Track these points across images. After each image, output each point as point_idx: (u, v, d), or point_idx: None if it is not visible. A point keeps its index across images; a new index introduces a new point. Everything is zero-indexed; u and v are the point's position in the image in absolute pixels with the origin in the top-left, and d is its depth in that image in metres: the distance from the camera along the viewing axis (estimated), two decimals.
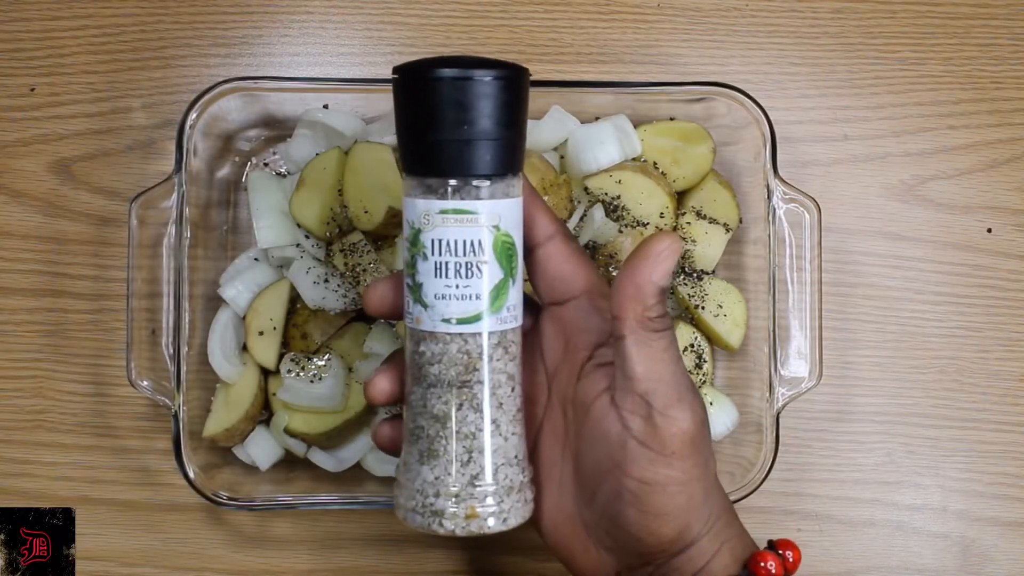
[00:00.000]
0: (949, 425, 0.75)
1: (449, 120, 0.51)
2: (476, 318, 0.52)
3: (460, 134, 0.51)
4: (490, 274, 0.52)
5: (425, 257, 0.52)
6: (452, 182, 0.52)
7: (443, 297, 0.52)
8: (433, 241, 0.52)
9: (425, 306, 0.53)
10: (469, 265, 0.52)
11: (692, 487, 0.52)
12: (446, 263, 0.52)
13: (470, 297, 0.52)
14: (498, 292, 0.53)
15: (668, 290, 0.52)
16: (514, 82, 0.52)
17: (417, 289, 0.53)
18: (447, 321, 0.52)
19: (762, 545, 0.56)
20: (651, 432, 0.51)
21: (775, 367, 0.68)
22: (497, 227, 0.52)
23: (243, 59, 0.75)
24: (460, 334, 0.53)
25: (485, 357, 0.53)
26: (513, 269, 0.53)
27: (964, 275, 0.76)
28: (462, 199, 0.52)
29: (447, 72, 0.51)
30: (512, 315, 0.53)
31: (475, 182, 0.52)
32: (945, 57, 0.77)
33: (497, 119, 0.51)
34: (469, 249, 0.52)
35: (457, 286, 0.52)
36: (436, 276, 0.52)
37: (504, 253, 0.53)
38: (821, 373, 0.68)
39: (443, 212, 0.52)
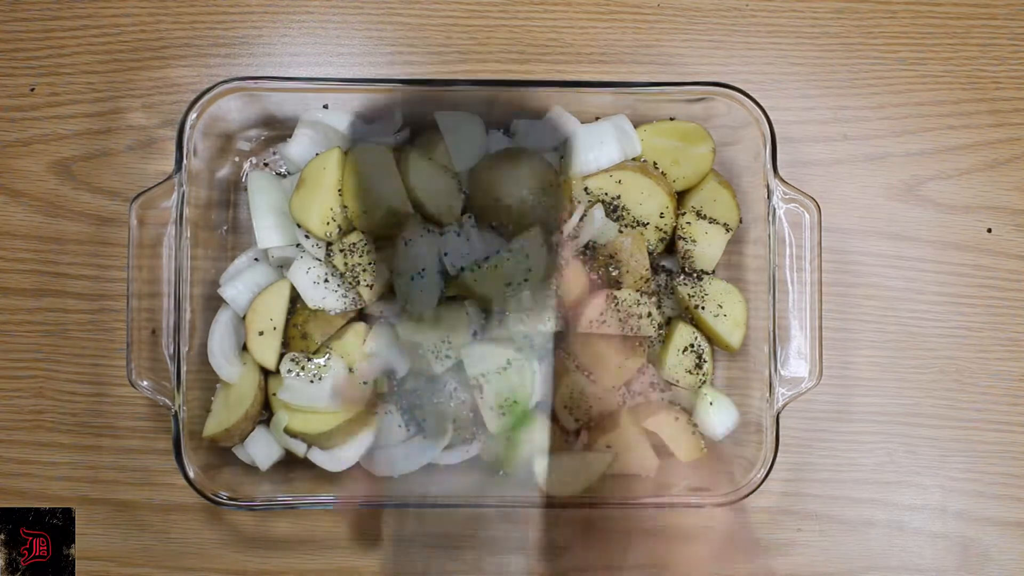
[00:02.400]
0: (949, 425, 0.75)
1: None
2: None
3: None
4: None
5: None
6: None
7: None
8: None
9: None
10: None
11: None
12: None
13: None
14: None
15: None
16: None
17: None
18: None
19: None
20: None
21: (775, 367, 0.68)
22: None
23: (243, 59, 0.75)
24: None
25: None
26: None
27: (964, 275, 0.76)
28: None
29: None
30: None
31: None
32: (945, 57, 0.77)
33: None
34: None
35: None
36: None
37: None
38: (821, 373, 0.68)
39: None
